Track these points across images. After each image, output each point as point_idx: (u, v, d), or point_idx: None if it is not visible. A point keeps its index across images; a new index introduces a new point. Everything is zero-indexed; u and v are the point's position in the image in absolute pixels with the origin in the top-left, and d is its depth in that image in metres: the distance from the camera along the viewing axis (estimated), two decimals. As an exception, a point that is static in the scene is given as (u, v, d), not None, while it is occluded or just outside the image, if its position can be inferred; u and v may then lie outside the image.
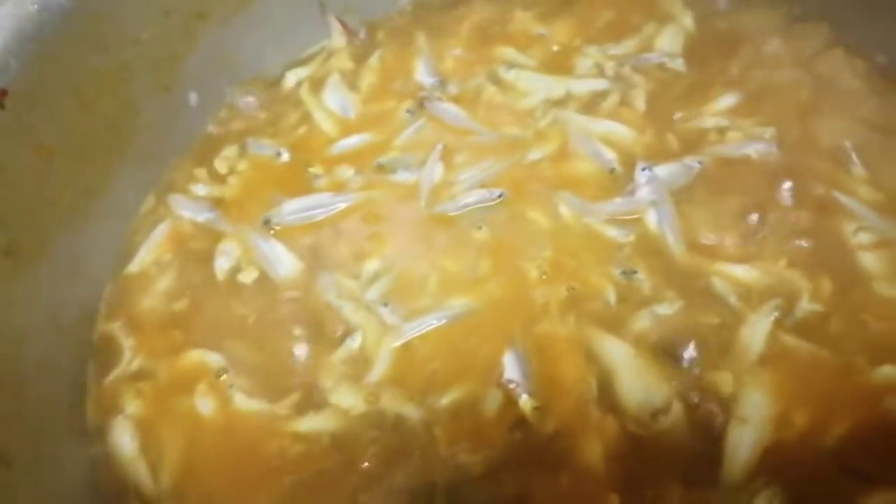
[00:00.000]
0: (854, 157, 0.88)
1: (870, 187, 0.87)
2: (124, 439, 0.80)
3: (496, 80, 1.06)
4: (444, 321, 0.82)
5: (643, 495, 0.71)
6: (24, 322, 0.79)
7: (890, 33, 0.96)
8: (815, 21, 1.02)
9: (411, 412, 0.77)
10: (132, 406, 0.82)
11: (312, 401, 0.79)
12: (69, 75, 0.85)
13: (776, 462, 0.70)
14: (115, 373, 0.84)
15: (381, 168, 0.98)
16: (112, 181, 0.93)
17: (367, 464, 0.75)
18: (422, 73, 1.08)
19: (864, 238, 0.83)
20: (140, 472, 0.79)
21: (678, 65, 1.04)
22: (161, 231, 0.97)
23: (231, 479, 0.78)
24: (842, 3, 1.00)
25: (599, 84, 1.03)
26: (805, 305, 0.78)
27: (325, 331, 0.84)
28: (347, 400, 0.78)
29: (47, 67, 0.82)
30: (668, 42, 1.07)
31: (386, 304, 0.84)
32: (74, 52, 0.85)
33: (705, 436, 0.72)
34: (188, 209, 0.98)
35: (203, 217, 0.97)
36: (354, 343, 0.82)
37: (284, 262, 0.90)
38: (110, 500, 0.78)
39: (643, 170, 0.89)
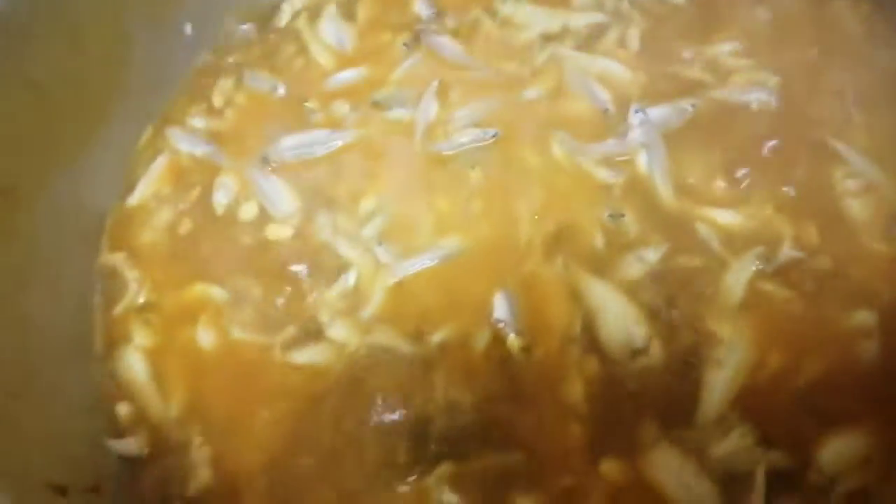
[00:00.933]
0: (853, 104, 0.88)
1: (865, 134, 0.87)
2: (135, 367, 0.84)
3: (494, 13, 1.04)
4: (437, 261, 0.84)
5: (621, 432, 0.74)
6: (26, 257, 0.80)
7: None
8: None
9: (404, 348, 0.80)
10: (140, 336, 0.85)
11: (309, 334, 0.82)
12: (61, 8, 0.84)
13: (749, 402, 0.73)
14: (123, 304, 0.87)
15: (376, 104, 0.98)
16: (109, 115, 0.94)
17: (361, 395, 0.78)
18: (419, 4, 1.06)
19: (851, 184, 0.84)
20: (151, 398, 0.82)
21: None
22: (160, 164, 0.97)
23: (234, 406, 0.81)
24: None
25: (597, 17, 1.01)
26: (787, 252, 0.80)
27: (322, 267, 0.86)
28: (343, 334, 0.81)
29: (36, 3, 0.81)
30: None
31: (380, 244, 0.86)
32: (66, -15, 0.84)
33: (682, 376, 0.75)
34: (186, 142, 0.98)
35: (201, 151, 0.97)
36: (350, 280, 0.84)
37: (283, 199, 0.91)
38: (120, 426, 0.81)
39: (636, 112, 0.89)
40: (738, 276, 0.79)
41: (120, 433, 0.80)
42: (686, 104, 0.91)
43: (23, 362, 0.77)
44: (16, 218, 0.80)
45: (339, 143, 0.95)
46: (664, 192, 0.86)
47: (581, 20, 1.01)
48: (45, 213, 0.84)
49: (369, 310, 0.82)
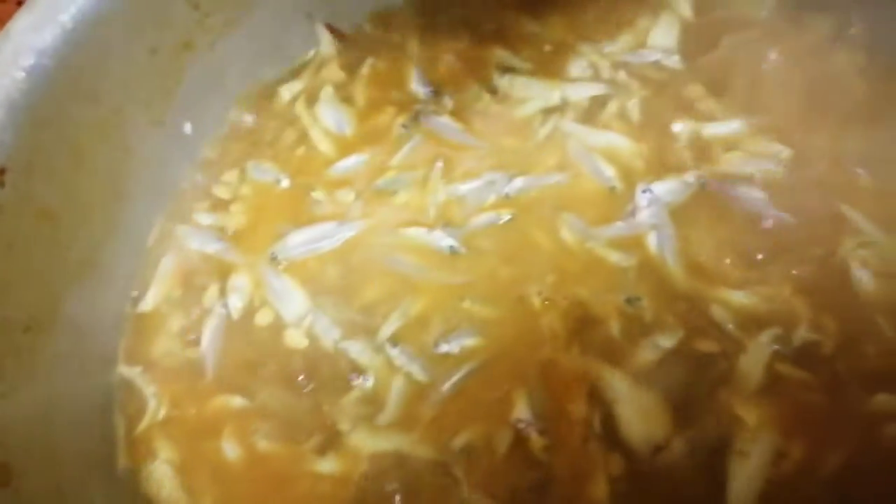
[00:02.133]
0: (861, 168, 0.87)
1: (874, 200, 0.86)
2: (163, 483, 0.83)
3: (491, 88, 1.03)
4: (463, 373, 0.83)
5: (649, 531, 0.74)
6: (48, 389, 0.80)
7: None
8: (819, 12, 0.99)
9: (425, 453, 0.79)
10: (165, 452, 0.84)
11: (333, 442, 0.82)
12: (63, 134, 0.83)
13: (777, 495, 0.73)
14: (144, 422, 0.86)
15: (380, 192, 0.97)
16: (117, 225, 0.93)
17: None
18: (415, 83, 1.06)
19: (864, 255, 0.83)
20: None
21: (674, 62, 1.02)
22: (166, 265, 0.97)
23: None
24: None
25: (596, 89, 1.00)
26: (803, 334, 0.79)
27: (338, 373, 0.85)
28: (365, 442, 0.80)
29: (41, 132, 0.80)
30: (663, 37, 1.04)
31: (395, 345, 0.85)
32: (66, 110, 0.83)
33: (707, 471, 0.75)
34: (197, 240, 0.98)
35: (213, 248, 0.97)
36: (367, 383, 0.84)
37: (294, 301, 0.90)
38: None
39: (643, 191, 0.89)
40: (756, 360, 0.79)
41: (153, 552, 0.81)
42: (691, 177, 0.90)
43: (55, 496, 0.77)
44: (38, 352, 0.80)
45: (347, 234, 0.94)
46: (676, 273, 0.85)
47: (580, 91, 1.00)
48: (64, 340, 0.83)
49: (387, 416, 0.81)
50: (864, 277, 0.81)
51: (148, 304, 0.95)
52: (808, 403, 0.76)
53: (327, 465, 0.81)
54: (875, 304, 0.80)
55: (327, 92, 1.07)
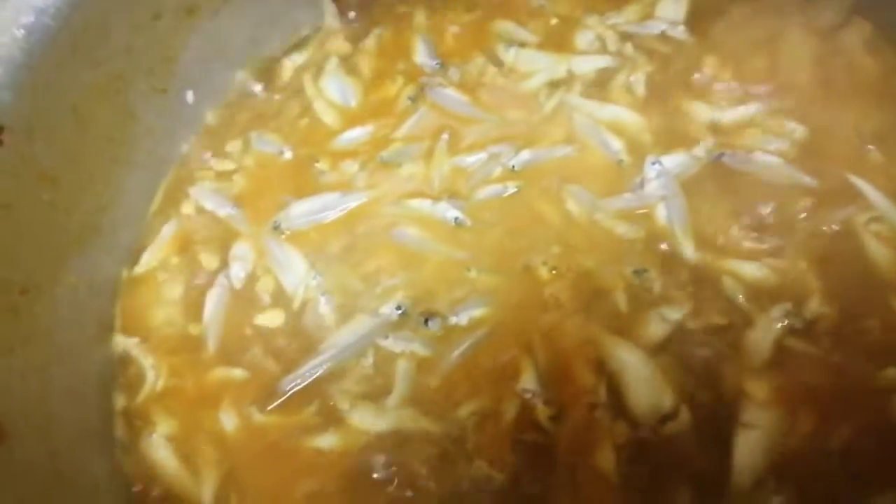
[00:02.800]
0: (872, 144, 0.86)
1: (885, 176, 0.84)
2: (163, 454, 0.82)
3: (497, 61, 1.02)
4: (469, 343, 0.81)
5: (655, 501, 0.73)
6: (47, 354, 0.79)
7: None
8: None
9: (430, 426, 0.78)
10: (164, 424, 0.83)
11: (331, 418, 0.80)
12: (64, 96, 0.82)
13: (784, 467, 0.72)
14: (143, 393, 0.85)
15: (385, 163, 0.96)
16: (119, 192, 0.92)
17: (392, 476, 0.77)
18: (422, 55, 1.04)
19: (876, 228, 0.81)
20: (183, 482, 0.81)
21: (680, 33, 1.00)
22: (167, 232, 0.96)
23: (271, 481, 0.80)
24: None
25: (602, 61, 0.99)
26: (814, 307, 0.78)
27: (339, 348, 0.83)
28: (365, 420, 0.78)
29: (42, 93, 0.79)
30: (670, 8, 1.02)
31: (399, 308, 0.84)
32: (67, 71, 0.82)
33: (714, 441, 0.73)
34: (211, 201, 0.96)
35: (224, 212, 0.95)
36: (368, 361, 0.82)
37: (297, 272, 0.89)
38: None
39: (653, 163, 0.87)
40: (765, 334, 0.77)
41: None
42: (701, 150, 0.88)
43: (49, 460, 0.75)
44: (36, 315, 0.78)
45: (351, 205, 0.93)
46: (686, 246, 0.83)
47: (587, 64, 0.99)
48: (65, 302, 0.83)
49: (394, 396, 0.79)
50: (877, 251, 0.80)
51: (142, 266, 0.94)
52: (817, 377, 0.75)
53: (326, 441, 0.79)
54: (887, 278, 0.79)
55: (332, 63, 1.05)
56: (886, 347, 0.75)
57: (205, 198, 0.97)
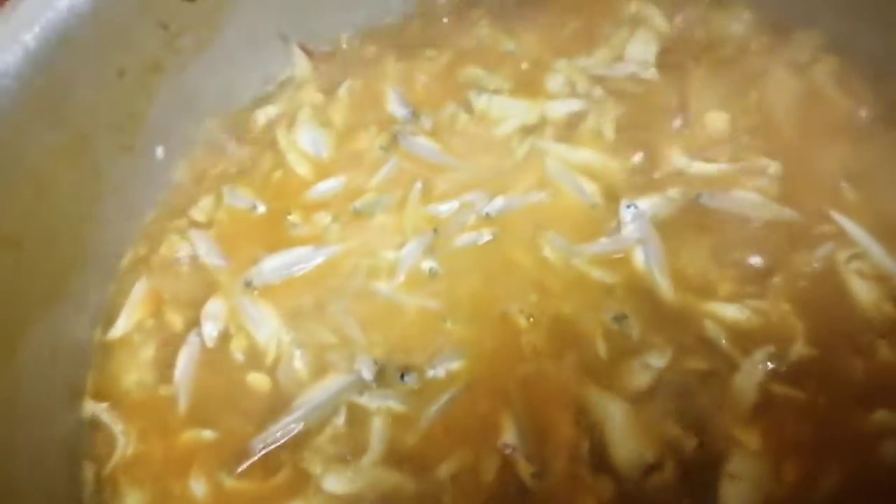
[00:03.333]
0: (846, 181, 0.85)
1: (863, 213, 0.83)
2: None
3: (468, 108, 1.00)
4: (447, 398, 0.79)
5: (642, 558, 0.70)
6: (9, 421, 0.75)
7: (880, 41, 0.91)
8: (804, 28, 0.97)
9: (409, 486, 0.75)
10: (133, 497, 0.79)
11: (303, 483, 0.76)
12: (26, 159, 0.80)
13: (773, 517, 0.69)
14: (113, 461, 0.81)
15: (358, 214, 0.94)
16: (86, 252, 0.89)
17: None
18: (393, 104, 1.03)
19: (857, 266, 0.80)
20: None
21: (650, 74, 0.99)
22: (138, 292, 0.93)
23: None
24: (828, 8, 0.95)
25: (573, 105, 0.98)
26: (798, 349, 0.75)
27: (311, 406, 0.80)
28: (340, 486, 0.75)
29: (3, 158, 0.77)
30: (640, 50, 1.02)
31: (375, 363, 0.81)
32: (29, 134, 0.80)
33: (700, 493, 0.71)
34: (204, 248, 0.93)
35: (212, 261, 0.92)
36: (340, 420, 0.79)
37: (269, 327, 0.86)
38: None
39: (627, 207, 0.85)
40: (749, 379, 0.75)
41: None
42: (677, 192, 0.87)
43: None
44: (0, 381, 0.75)
45: (322, 259, 0.91)
46: (664, 288, 0.82)
47: (557, 109, 0.98)
48: (29, 369, 0.79)
49: (367, 454, 0.76)
50: (860, 289, 0.78)
51: (118, 330, 0.91)
52: (804, 423, 0.73)
53: (297, 507, 0.76)
54: (872, 318, 0.77)
55: (305, 114, 1.04)
56: (873, 389, 0.73)
57: (197, 238, 0.94)
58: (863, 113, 0.89)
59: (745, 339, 0.77)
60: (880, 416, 0.71)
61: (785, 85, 0.93)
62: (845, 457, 0.71)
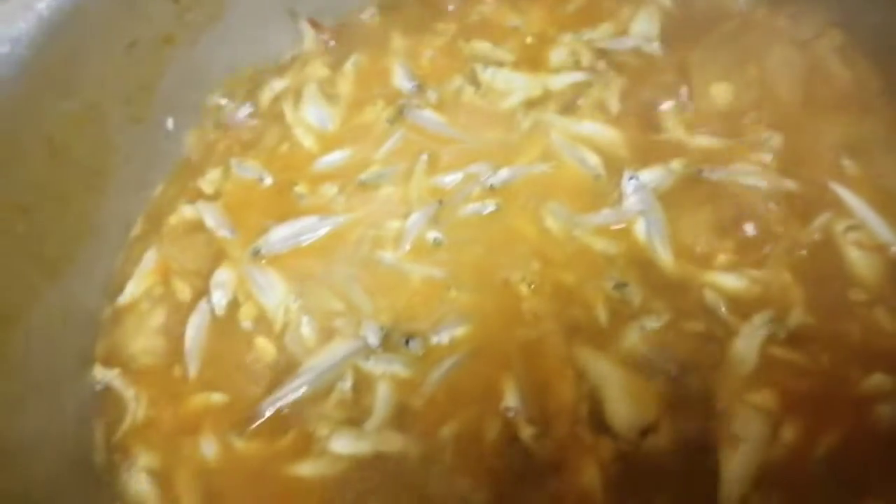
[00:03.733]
0: (846, 154, 0.85)
1: (862, 185, 0.83)
2: (143, 489, 0.79)
3: (474, 81, 1.01)
4: (451, 364, 0.80)
5: (641, 517, 0.71)
6: (22, 384, 0.77)
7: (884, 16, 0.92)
8: (808, 2, 0.97)
9: (412, 448, 0.76)
10: (144, 458, 0.80)
11: (310, 446, 0.77)
12: (39, 127, 0.81)
13: (771, 476, 0.70)
14: (123, 427, 0.82)
15: (364, 185, 0.95)
16: (96, 221, 0.90)
17: (374, 500, 0.75)
18: (399, 78, 1.04)
19: (854, 237, 0.80)
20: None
21: (654, 48, 1.00)
22: (149, 260, 0.94)
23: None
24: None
25: (576, 77, 0.99)
26: (797, 316, 0.76)
27: (318, 372, 0.81)
28: (346, 446, 0.76)
29: (15, 124, 0.78)
30: (644, 24, 1.02)
31: (381, 329, 0.82)
32: (41, 102, 0.81)
33: (698, 455, 0.71)
34: (212, 219, 0.94)
35: (222, 232, 0.93)
36: (346, 385, 0.80)
37: (276, 297, 0.87)
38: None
39: (630, 178, 0.86)
40: (749, 343, 0.76)
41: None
42: (678, 164, 0.88)
43: (26, 495, 0.73)
44: (10, 348, 0.77)
45: (328, 229, 0.92)
46: (665, 258, 0.82)
47: (561, 81, 0.98)
48: (39, 333, 0.80)
49: (374, 419, 0.77)
50: (857, 259, 0.79)
51: (126, 297, 0.92)
52: (802, 385, 0.73)
53: (305, 469, 0.77)
54: (867, 285, 0.77)
55: (311, 88, 1.05)
56: (869, 354, 0.74)
57: (204, 210, 0.95)
58: (865, 87, 0.89)
59: (745, 306, 0.78)
60: (876, 379, 0.72)
61: (788, 59, 0.93)
62: (842, 419, 0.71)
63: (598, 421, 0.75)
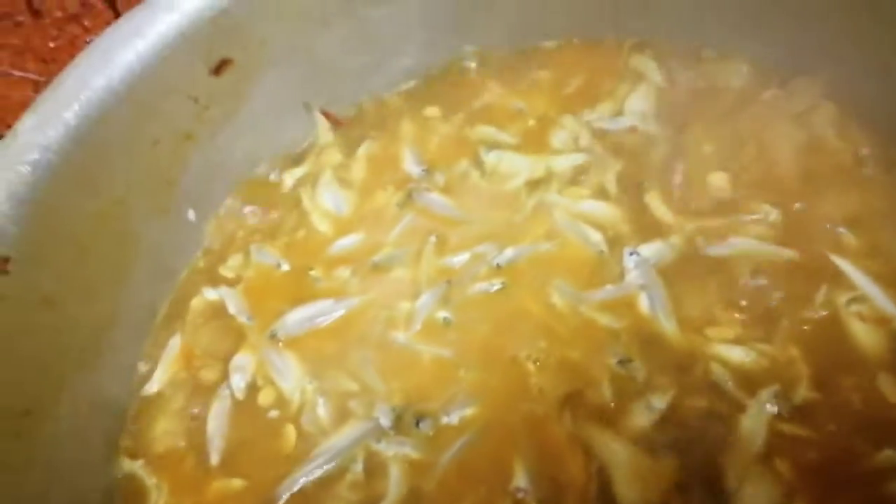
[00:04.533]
0: (844, 226, 0.85)
1: (864, 257, 0.83)
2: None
3: (479, 164, 1.04)
4: (461, 444, 0.80)
5: None
6: (46, 483, 0.78)
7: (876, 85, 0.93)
8: (802, 76, 0.99)
9: (425, 530, 0.76)
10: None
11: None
12: (66, 226, 0.84)
13: (783, 558, 0.68)
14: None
15: (376, 267, 0.97)
16: (121, 310, 0.92)
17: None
18: (409, 163, 1.06)
19: (857, 309, 0.80)
20: None
21: (649, 126, 1.02)
22: (172, 347, 0.96)
23: None
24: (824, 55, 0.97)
25: (577, 158, 1.00)
26: (804, 391, 0.75)
27: (333, 454, 0.82)
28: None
29: (45, 225, 0.81)
30: (639, 103, 1.04)
31: (393, 412, 0.83)
32: (69, 203, 0.84)
33: (710, 534, 0.71)
34: (234, 304, 0.96)
35: (240, 316, 0.96)
36: (359, 467, 0.80)
37: (293, 376, 0.89)
38: None
39: (630, 254, 0.87)
40: (756, 419, 0.75)
41: None
42: (678, 239, 0.88)
43: None
44: (37, 438, 0.78)
45: (343, 311, 0.93)
46: (669, 332, 0.82)
47: (563, 162, 1.00)
48: (65, 424, 0.82)
49: (385, 500, 0.77)
50: (860, 332, 0.78)
51: (154, 385, 0.93)
52: (811, 462, 0.72)
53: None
54: (875, 358, 0.77)
55: (327, 175, 1.08)
56: (877, 428, 0.73)
57: (229, 300, 0.97)
58: (860, 158, 0.89)
59: (751, 381, 0.78)
60: (887, 454, 0.71)
61: (784, 133, 0.94)
62: (853, 496, 0.70)
63: (608, 501, 0.74)
